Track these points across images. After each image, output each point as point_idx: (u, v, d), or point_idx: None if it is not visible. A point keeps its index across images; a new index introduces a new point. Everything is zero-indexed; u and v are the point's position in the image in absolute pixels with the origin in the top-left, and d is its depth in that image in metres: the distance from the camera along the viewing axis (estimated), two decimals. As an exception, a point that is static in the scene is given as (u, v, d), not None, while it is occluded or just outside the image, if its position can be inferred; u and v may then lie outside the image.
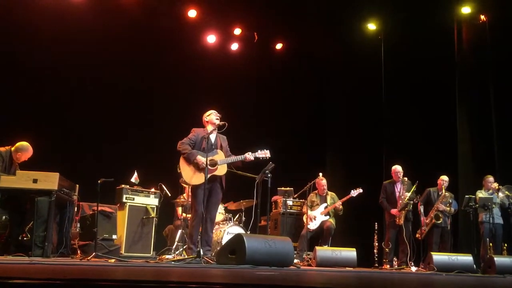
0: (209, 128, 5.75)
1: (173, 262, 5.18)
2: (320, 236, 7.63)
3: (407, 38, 9.25)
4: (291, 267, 5.22)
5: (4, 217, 5.66)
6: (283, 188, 8.28)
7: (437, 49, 9.07)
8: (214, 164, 5.60)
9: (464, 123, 8.98)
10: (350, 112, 10.21)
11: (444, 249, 7.51)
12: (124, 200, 7.05)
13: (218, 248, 6.13)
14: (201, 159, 5.50)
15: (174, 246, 6.79)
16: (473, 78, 9.05)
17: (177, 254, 6.41)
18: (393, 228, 7.57)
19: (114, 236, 6.56)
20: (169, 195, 7.34)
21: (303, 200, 8.03)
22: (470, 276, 6.06)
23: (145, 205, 7.22)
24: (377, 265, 7.43)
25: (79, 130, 8.27)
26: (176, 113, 8.76)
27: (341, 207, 7.70)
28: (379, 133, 9.75)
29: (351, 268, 6.46)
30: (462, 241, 8.29)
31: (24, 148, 5.77)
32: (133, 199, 7.14)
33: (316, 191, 7.91)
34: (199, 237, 5.55)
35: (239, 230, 7.00)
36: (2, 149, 5.72)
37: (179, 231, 6.90)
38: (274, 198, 8.25)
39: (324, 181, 7.86)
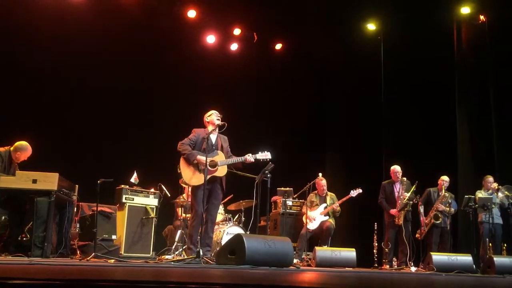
0: (210, 128, 5.75)
1: (172, 263, 5.17)
2: (320, 236, 7.63)
3: (407, 38, 9.25)
4: (291, 267, 5.23)
5: (3, 217, 5.66)
6: (282, 188, 8.28)
7: (436, 49, 9.08)
8: (214, 165, 5.59)
9: (464, 123, 8.98)
10: (350, 112, 10.21)
11: (443, 249, 7.50)
12: (123, 200, 7.05)
13: (218, 249, 6.13)
14: (201, 158, 5.49)
15: (173, 247, 6.78)
16: (473, 78, 9.06)
17: (176, 255, 6.41)
18: (393, 228, 7.57)
19: (113, 237, 6.56)
20: (169, 195, 7.34)
21: (303, 200, 8.03)
22: (469, 276, 6.06)
23: (144, 206, 7.23)
24: (376, 265, 7.43)
25: (79, 130, 8.27)
26: (176, 113, 8.77)
27: (338, 208, 7.69)
28: (378, 133, 9.75)
29: (350, 268, 6.45)
30: (461, 241, 8.28)
31: (23, 148, 5.76)
32: (133, 200, 7.15)
33: (315, 191, 7.90)
34: (199, 237, 5.55)
35: (238, 230, 6.99)
36: (1, 149, 5.71)
37: (179, 232, 6.90)
38: (274, 198, 8.25)
39: (323, 181, 7.86)
